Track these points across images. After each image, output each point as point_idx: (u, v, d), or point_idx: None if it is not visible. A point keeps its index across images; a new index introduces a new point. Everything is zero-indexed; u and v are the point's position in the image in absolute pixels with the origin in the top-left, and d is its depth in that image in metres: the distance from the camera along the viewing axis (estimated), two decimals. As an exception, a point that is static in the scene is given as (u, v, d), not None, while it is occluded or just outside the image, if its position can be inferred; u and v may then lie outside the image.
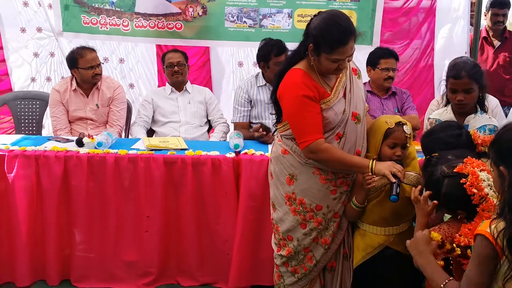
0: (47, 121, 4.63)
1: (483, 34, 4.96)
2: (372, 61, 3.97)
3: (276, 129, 2.78)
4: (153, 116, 4.24)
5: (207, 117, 4.31)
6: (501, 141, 1.82)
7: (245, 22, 4.70)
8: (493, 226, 1.73)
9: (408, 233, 2.61)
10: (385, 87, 3.98)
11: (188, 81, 4.32)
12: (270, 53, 3.88)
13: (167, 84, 4.32)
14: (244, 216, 3.26)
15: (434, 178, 2.18)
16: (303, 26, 4.55)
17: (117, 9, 4.68)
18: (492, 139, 1.88)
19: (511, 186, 1.73)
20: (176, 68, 4.16)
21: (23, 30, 4.81)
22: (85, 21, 4.72)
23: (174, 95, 4.25)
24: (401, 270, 2.59)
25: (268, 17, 4.72)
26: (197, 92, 4.31)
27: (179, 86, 4.26)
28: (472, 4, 4.87)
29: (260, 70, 4.06)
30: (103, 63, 4.19)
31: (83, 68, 4.03)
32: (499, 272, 1.75)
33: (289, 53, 2.67)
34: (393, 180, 2.40)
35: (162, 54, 4.38)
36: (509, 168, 1.74)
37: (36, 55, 4.88)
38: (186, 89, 4.27)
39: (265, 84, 4.00)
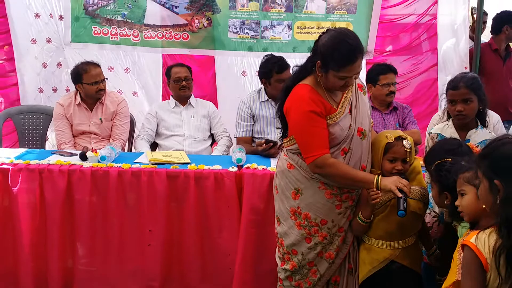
0: (50, 135, 4.65)
1: (494, 46, 4.99)
2: (372, 78, 4.00)
3: (282, 142, 2.79)
4: (157, 129, 4.26)
5: (210, 131, 4.33)
6: (498, 155, 1.80)
7: (247, 33, 4.90)
8: (479, 237, 1.77)
9: (414, 247, 2.63)
10: (388, 101, 4.01)
11: (192, 95, 4.35)
12: (272, 71, 3.92)
13: (171, 97, 4.35)
14: (247, 230, 3.27)
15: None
16: (302, 37, 4.87)
17: (128, 20, 4.86)
18: (484, 151, 1.87)
19: (506, 201, 1.73)
20: (184, 83, 4.21)
21: (33, 41, 4.93)
22: (96, 32, 4.88)
23: (178, 109, 4.28)
24: (407, 284, 2.60)
25: (269, 28, 4.90)
26: (200, 106, 4.34)
27: (183, 100, 4.29)
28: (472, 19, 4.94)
29: (262, 85, 4.09)
30: (107, 79, 4.21)
31: (87, 83, 4.06)
32: (488, 285, 1.76)
33: (295, 68, 2.69)
34: (400, 195, 2.40)
35: (167, 67, 4.42)
36: (505, 183, 1.74)
37: (44, 65, 4.97)
38: (190, 103, 4.30)
39: (268, 100, 4.03)
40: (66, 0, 4.82)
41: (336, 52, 2.44)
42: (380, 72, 3.97)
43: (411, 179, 2.59)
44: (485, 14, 5.26)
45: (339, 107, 2.59)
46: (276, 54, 4.14)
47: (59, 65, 4.98)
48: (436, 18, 4.93)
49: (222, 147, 4.19)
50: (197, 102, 4.36)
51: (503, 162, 1.78)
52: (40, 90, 5.00)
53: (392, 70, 4.00)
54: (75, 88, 4.16)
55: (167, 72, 4.33)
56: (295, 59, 4.57)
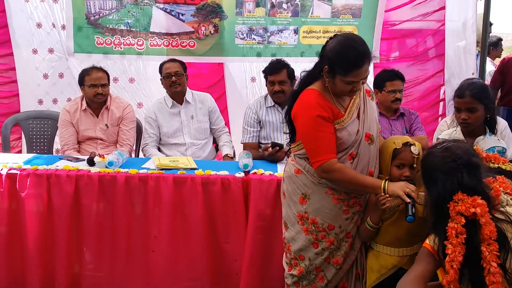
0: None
1: None
2: (378, 84, 4.00)
3: (289, 147, 2.79)
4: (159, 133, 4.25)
5: (210, 125, 4.34)
6: (421, 165, 2.15)
7: (254, 39, 4.91)
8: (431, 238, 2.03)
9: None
10: (393, 108, 4.01)
11: (187, 88, 4.25)
12: (266, 74, 4.01)
13: (166, 94, 4.25)
14: (253, 235, 3.27)
15: None
16: (308, 41, 4.90)
17: (132, 29, 4.82)
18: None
19: (431, 206, 2.04)
20: (173, 78, 4.11)
21: (35, 51, 4.87)
22: (98, 42, 4.84)
23: (176, 109, 4.21)
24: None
25: (276, 33, 4.92)
26: (198, 101, 4.26)
27: (178, 97, 4.21)
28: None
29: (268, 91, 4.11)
30: (104, 84, 4.19)
31: (87, 85, 4.07)
32: None
33: (302, 74, 2.69)
34: (408, 200, 2.40)
35: (160, 64, 4.29)
36: (428, 189, 2.06)
37: (46, 76, 4.91)
38: (186, 100, 4.21)
39: (274, 105, 4.04)
40: (68, 10, 4.76)
41: (343, 57, 2.45)
42: (387, 78, 3.98)
43: (419, 185, 2.58)
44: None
45: (346, 112, 2.60)
46: (284, 59, 4.16)
47: (60, 75, 4.91)
48: (444, 24, 4.92)
49: (229, 144, 4.27)
50: (194, 97, 4.28)
51: (424, 171, 2.11)
52: (40, 102, 4.93)
53: (399, 77, 3.99)
54: (81, 90, 4.17)
55: (160, 69, 4.24)
56: (303, 64, 4.59)
